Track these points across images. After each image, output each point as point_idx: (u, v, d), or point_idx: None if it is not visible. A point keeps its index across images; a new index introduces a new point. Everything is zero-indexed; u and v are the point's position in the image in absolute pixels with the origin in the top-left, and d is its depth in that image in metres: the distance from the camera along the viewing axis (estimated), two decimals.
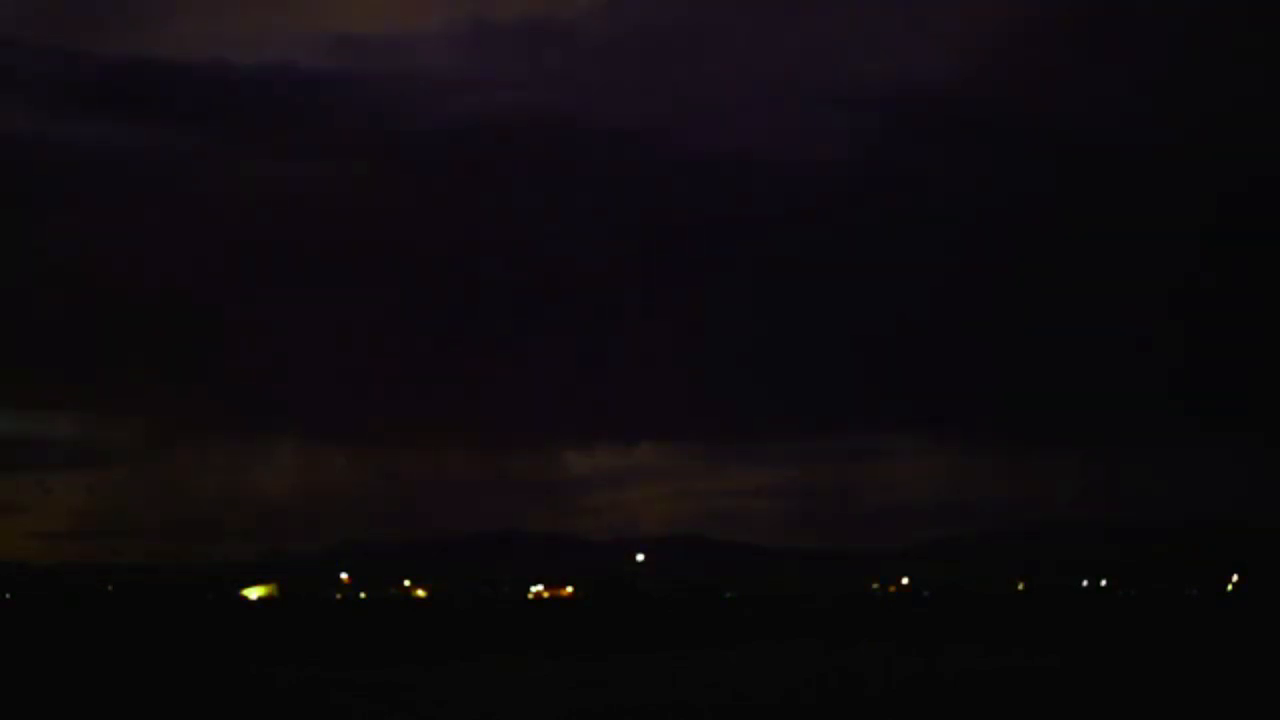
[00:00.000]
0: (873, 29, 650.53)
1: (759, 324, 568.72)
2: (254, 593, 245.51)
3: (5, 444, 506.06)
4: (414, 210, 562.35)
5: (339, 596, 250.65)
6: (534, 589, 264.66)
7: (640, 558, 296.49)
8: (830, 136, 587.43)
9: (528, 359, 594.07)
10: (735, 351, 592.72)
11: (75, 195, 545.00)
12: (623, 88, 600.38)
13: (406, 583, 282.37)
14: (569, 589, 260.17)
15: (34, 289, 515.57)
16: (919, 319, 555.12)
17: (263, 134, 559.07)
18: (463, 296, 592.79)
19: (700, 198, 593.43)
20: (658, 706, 52.00)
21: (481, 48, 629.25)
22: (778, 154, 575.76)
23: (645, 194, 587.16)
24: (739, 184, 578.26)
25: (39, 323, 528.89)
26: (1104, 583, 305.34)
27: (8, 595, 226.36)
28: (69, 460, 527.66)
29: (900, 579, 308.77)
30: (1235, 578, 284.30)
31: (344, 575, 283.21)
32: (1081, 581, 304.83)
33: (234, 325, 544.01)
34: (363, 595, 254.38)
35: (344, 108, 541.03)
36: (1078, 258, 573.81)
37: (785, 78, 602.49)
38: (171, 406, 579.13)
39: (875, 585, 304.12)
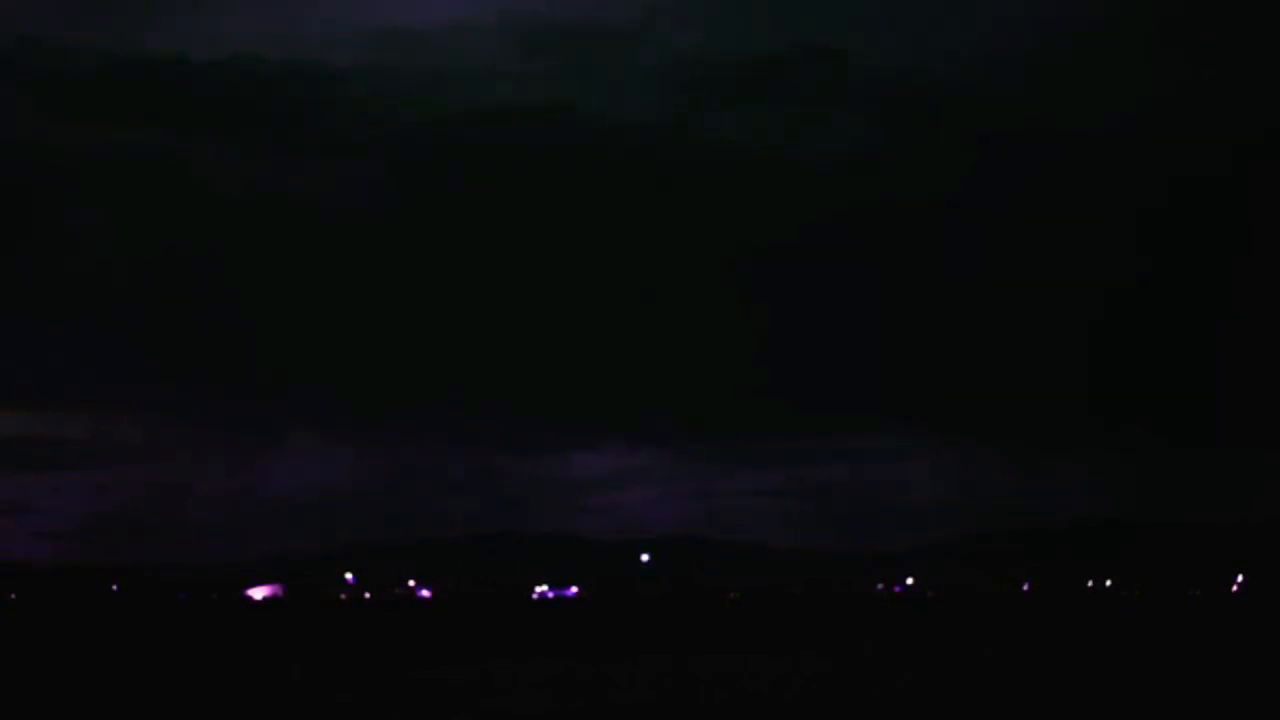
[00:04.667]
0: (873, 28, 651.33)
1: (760, 325, 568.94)
2: (258, 592, 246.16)
3: (10, 444, 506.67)
4: (419, 209, 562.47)
5: (343, 596, 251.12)
6: (537, 589, 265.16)
7: (645, 558, 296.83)
8: (831, 135, 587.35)
9: (530, 359, 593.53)
10: (736, 352, 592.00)
11: (82, 195, 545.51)
12: (641, 85, 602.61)
13: (411, 583, 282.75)
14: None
15: (41, 289, 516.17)
16: (919, 319, 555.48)
17: (279, 131, 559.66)
18: (464, 296, 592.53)
19: (702, 196, 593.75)
20: (658, 706, 52.37)
21: (514, 44, 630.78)
22: (779, 153, 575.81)
23: (649, 192, 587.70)
24: (742, 183, 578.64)
25: (44, 322, 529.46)
26: (1107, 583, 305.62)
27: (12, 595, 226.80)
28: (73, 460, 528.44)
29: (903, 579, 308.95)
30: (1240, 578, 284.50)
31: (348, 575, 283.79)
32: (1085, 582, 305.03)
33: (237, 325, 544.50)
34: (367, 595, 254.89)
35: (365, 102, 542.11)
36: (1075, 255, 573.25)
37: (788, 77, 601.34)
38: (175, 406, 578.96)
39: (880, 585, 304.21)
